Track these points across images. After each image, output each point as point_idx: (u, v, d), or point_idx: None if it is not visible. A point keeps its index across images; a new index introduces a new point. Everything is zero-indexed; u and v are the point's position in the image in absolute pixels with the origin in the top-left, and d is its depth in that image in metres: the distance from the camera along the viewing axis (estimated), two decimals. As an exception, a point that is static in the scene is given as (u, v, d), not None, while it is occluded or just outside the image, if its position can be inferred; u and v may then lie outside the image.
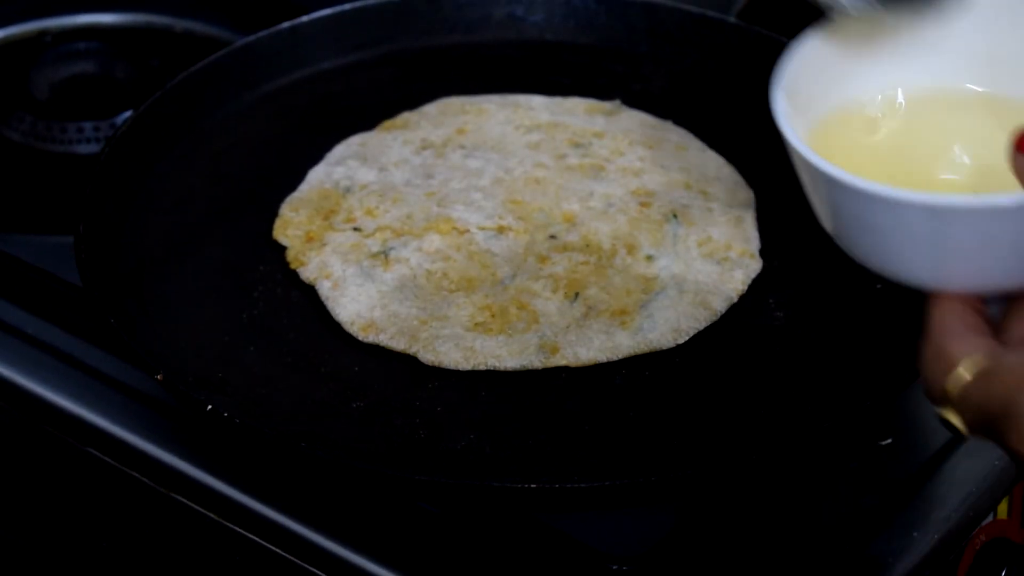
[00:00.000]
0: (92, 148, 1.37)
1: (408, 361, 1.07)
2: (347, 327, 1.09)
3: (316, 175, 1.23)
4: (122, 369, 1.15)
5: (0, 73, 1.48)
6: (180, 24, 1.56)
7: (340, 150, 1.25)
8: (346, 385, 1.05)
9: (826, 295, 1.12)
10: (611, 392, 1.05)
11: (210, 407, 0.98)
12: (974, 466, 1.08)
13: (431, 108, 1.30)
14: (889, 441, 1.09)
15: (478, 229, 1.15)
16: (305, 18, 1.35)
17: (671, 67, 1.35)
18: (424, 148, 1.25)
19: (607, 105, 1.29)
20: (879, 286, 1.12)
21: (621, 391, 1.05)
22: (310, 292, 1.13)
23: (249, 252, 1.16)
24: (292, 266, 1.14)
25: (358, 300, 1.10)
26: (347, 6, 1.37)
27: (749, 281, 1.12)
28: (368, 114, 1.30)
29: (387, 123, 1.28)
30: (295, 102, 1.33)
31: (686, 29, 1.36)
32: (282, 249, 1.16)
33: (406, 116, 1.29)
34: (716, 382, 1.06)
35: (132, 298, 1.11)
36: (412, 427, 1.02)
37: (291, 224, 1.18)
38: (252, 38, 1.33)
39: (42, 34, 1.55)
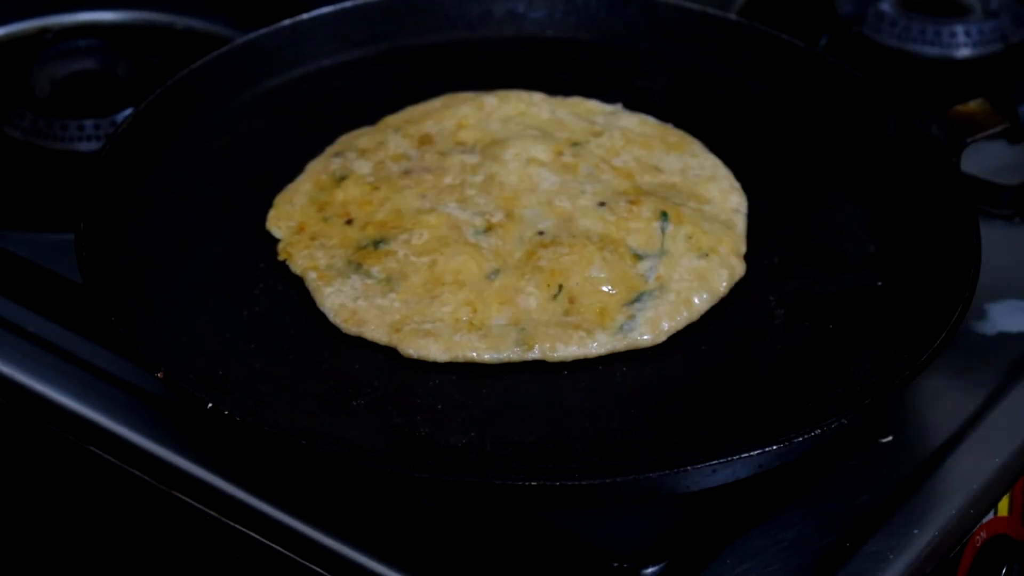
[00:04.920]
0: (93, 146, 1.36)
1: (409, 359, 1.07)
2: (331, 318, 1.10)
3: (314, 166, 1.23)
4: (123, 366, 1.15)
5: (1, 70, 1.48)
6: (181, 21, 1.56)
7: (341, 142, 1.26)
8: (346, 382, 1.05)
9: (826, 292, 1.12)
10: (612, 389, 1.05)
11: (211, 405, 0.98)
12: (975, 463, 1.09)
13: (436, 103, 1.30)
14: (890, 439, 1.09)
15: (468, 225, 1.15)
16: (305, 16, 1.35)
17: (672, 64, 1.35)
18: (423, 143, 1.24)
19: (608, 107, 1.29)
20: (879, 283, 1.13)
21: (622, 388, 1.05)
22: (311, 289, 1.13)
23: (250, 249, 1.16)
24: (280, 257, 1.15)
25: (343, 291, 1.11)
26: (348, 3, 1.37)
27: (732, 284, 1.12)
28: (369, 111, 1.30)
29: (390, 117, 1.28)
30: (296, 99, 1.33)
31: (687, 26, 1.36)
32: (283, 246, 1.17)
33: (410, 110, 1.29)
34: (717, 379, 1.06)
35: (133, 295, 1.11)
36: (413, 424, 1.02)
37: (284, 215, 1.18)
38: (253, 35, 1.33)
39: (43, 31, 1.54)
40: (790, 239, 1.17)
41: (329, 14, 1.37)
